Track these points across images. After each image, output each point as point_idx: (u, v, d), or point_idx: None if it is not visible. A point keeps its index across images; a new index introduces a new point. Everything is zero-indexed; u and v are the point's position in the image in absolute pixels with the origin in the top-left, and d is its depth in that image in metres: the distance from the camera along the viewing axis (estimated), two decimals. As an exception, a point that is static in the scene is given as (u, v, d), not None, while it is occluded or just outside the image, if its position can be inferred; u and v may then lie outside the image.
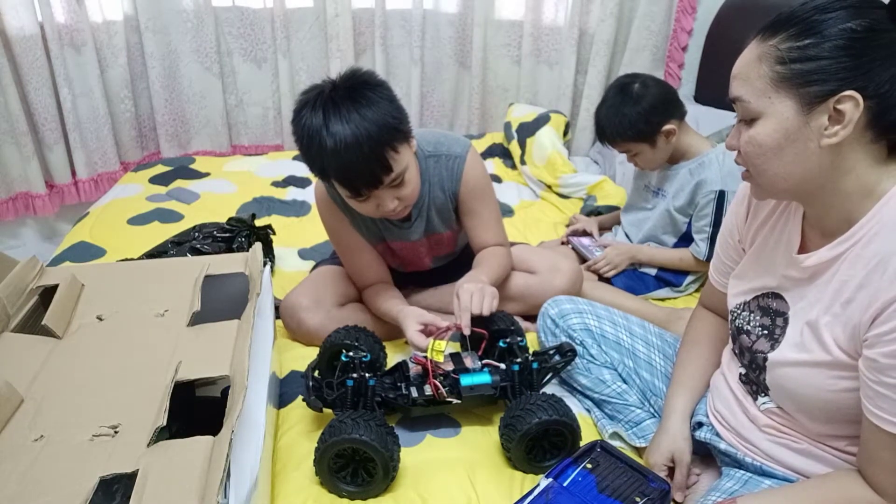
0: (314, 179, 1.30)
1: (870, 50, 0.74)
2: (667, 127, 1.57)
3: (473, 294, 1.23)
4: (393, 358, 1.35)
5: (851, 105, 0.75)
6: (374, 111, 1.14)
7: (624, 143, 1.62)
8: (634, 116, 1.56)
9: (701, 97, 2.46)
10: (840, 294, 0.81)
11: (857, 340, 0.78)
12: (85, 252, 1.79)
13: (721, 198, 1.55)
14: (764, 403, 0.95)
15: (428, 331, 1.26)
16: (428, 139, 1.36)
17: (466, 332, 1.21)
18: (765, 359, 0.92)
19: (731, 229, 1.05)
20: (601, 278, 1.70)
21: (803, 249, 0.89)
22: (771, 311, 0.94)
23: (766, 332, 0.93)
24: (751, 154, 0.82)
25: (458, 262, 1.54)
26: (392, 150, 1.17)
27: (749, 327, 0.97)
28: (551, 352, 1.20)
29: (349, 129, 1.11)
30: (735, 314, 1.01)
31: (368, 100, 1.14)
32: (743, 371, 1.00)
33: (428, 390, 1.14)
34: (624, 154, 1.69)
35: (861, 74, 0.74)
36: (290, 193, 2.21)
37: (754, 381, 0.97)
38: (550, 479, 0.94)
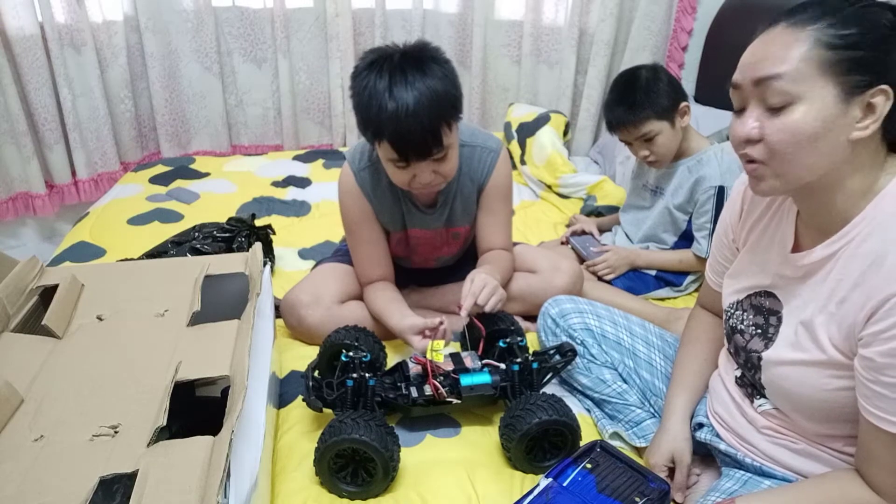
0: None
1: None
2: (684, 104, 1.57)
3: (486, 286, 1.24)
4: (393, 358, 1.35)
5: (883, 99, 0.75)
6: (440, 84, 1.16)
7: (646, 121, 1.56)
8: (656, 92, 1.55)
9: (701, 97, 2.46)
10: (835, 293, 0.81)
11: (853, 339, 0.78)
12: (85, 252, 1.79)
13: (721, 194, 1.54)
14: (761, 405, 0.95)
15: (425, 334, 1.26)
16: (463, 129, 1.37)
17: (464, 314, 1.21)
18: (759, 358, 0.92)
19: (726, 228, 1.05)
20: (601, 279, 1.70)
21: (797, 248, 0.90)
22: (764, 309, 0.94)
23: (759, 331, 0.94)
24: (783, 143, 0.77)
25: (461, 263, 1.54)
26: (447, 125, 1.19)
27: (742, 326, 0.97)
28: (551, 352, 1.20)
29: (413, 96, 1.14)
30: (729, 313, 1.01)
31: (434, 73, 1.17)
32: (739, 373, 1.00)
33: (428, 390, 1.14)
34: (626, 152, 1.69)
35: (891, 70, 0.75)
36: (290, 193, 2.21)
37: (750, 382, 0.97)
38: (550, 479, 0.94)
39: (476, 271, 1.30)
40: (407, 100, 1.14)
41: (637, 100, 1.56)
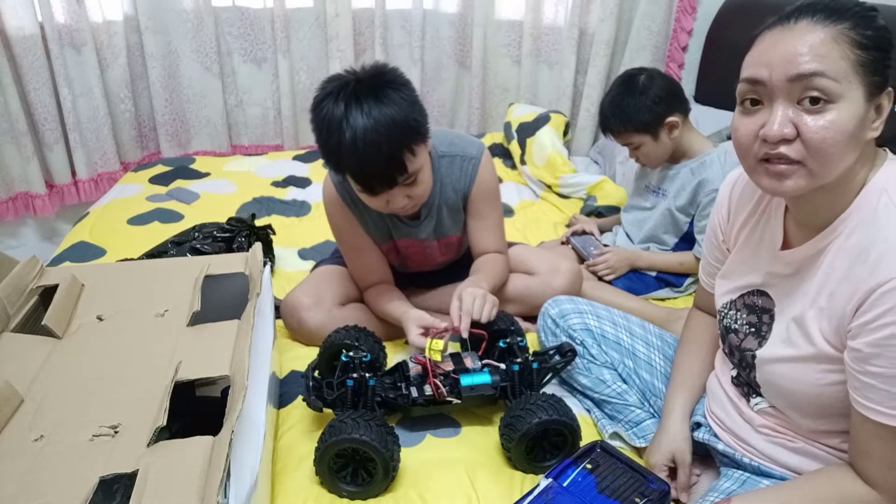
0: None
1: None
2: (670, 119, 1.57)
3: (476, 299, 1.24)
4: (393, 358, 1.35)
5: (887, 101, 0.77)
6: (397, 111, 1.13)
7: (626, 133, 1.61)
8: (639, 106, 1.56)
9: (701, 97, 2.46)
10: (824, 287, 0.82)
11: (843, 332, 0.79)
12: (85, 252, 1.79)
13: None
14: (757, 404, 0.96)
15: (428, 333, 1.26)
16: (441, 139, 1.35)
17: (465, 334, 1.21)
18: (753, 356, 0.92)
19: (715, 229, 1.05)
20: (601, 279, 1.70)
21: (786, 245, 0.90)
22: (757, 308, 0.94)
23: (753, 329, 0.94)
24: (827, 141, 0.74)
25: (459, 265, 1.53)
26: (409, 151, 1.17)
27: (736, 326, 0.97)
28: (551, 352, 1.20)
29: (370, 125, 1.11)
30: (723, 314, 1.01)
31: (391, 99, 1.14)
32: (735, 373, 1.01)
33: (428, 390, 1.14)
34: (625, 152, 1.69)
35: (890, 73, 0.77)
36: (290, 193, 2.21)
37: (746, 381, 0.98)
38: (550, 480, 0.94)
39: (461, 286, 1.29)
40: (364, 130, 1.11)
41: (619, 111, 1.59)
